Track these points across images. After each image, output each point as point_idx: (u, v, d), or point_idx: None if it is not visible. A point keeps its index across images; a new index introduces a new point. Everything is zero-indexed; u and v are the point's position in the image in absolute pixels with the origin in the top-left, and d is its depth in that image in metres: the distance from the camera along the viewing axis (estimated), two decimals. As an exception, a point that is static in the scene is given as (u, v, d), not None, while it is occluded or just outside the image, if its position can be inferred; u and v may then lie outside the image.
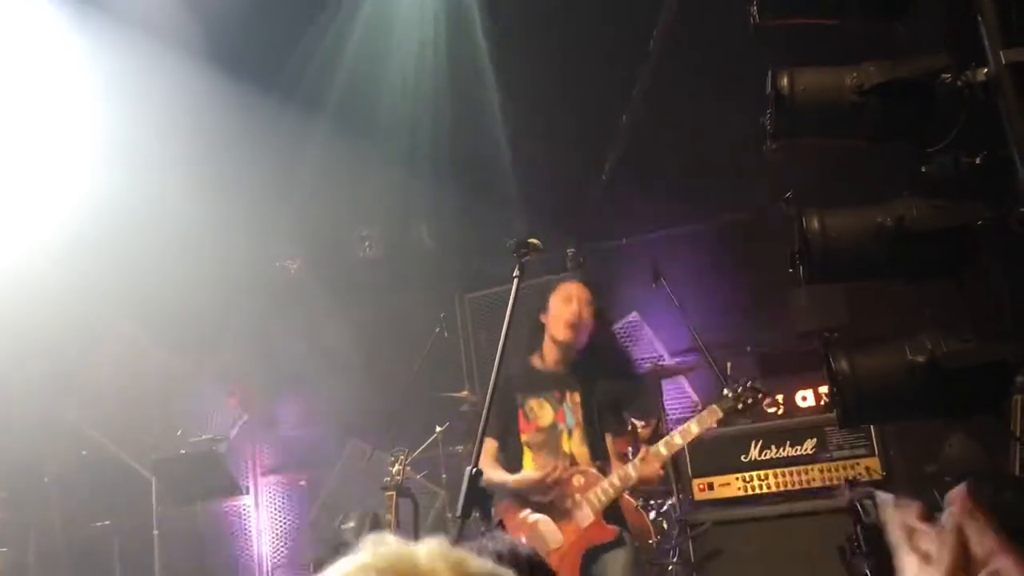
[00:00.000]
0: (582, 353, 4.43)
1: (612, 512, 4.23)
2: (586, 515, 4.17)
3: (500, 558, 1.63)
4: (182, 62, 6.41)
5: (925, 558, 1.88)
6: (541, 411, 4.41)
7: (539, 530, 4.19)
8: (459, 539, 2.62)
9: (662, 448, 4.20)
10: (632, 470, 4.17)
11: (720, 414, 4.24)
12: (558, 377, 4.43)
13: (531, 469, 4.32)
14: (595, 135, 7.15)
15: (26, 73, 6.58)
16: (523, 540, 4.10)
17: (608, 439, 4.37)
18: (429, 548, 1.12)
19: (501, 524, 4.20)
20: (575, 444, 4.33)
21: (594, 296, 4.51)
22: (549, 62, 6.61)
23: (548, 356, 4.46)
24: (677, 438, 4.21)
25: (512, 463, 4.38)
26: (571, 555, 4.15)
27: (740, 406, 4.25)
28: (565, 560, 4.13)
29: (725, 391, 4.32)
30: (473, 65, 6.74)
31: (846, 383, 2.32)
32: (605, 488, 4.17)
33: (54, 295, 6.68)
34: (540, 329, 4.48)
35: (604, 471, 4.27)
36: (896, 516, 2.00)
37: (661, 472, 4.41)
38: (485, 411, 3.17)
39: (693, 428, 4.21)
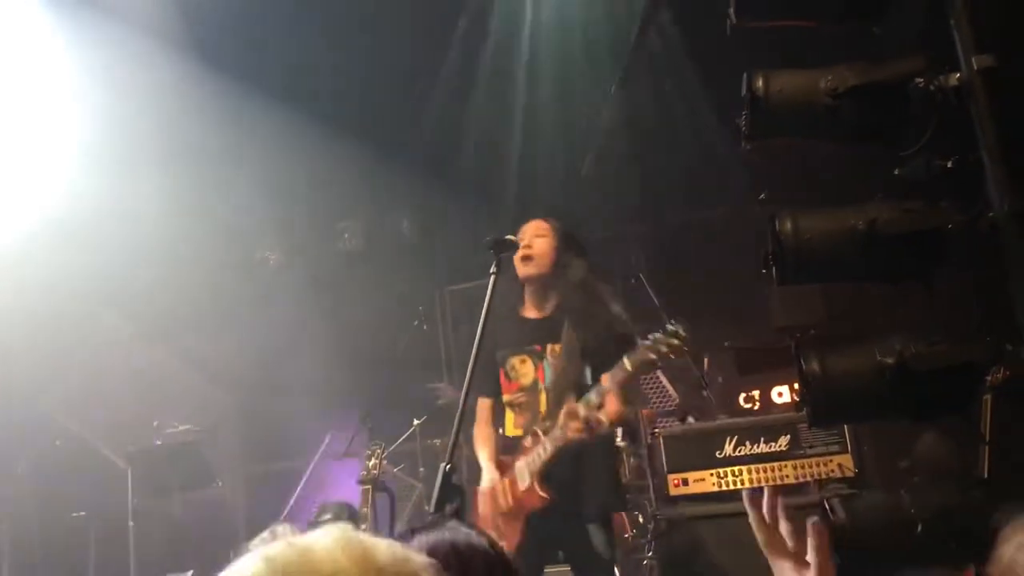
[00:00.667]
0: (560, 293, 4.31)
1: (595, 501, 4.13)
2: (524, 479, 4.11)
3: (455, 548, 1.58)
4: (161, 54, 6.37)
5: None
6: (523, 368, 4.33)
7: (493, 491, 4.19)
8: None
9: (581, 408, 3.97)
10: (558, 431, 4.01)
11: (630, 367, 3.94)
12: (540, 326, 4.32)
13: (512, 429, 4.29)
14: (573, 131, 7.16)
15: (6, 64, 6.51)
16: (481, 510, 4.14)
17: (606, 380, 4.07)
18: (329, 542, 1.00)
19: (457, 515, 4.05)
20: (552, 405, 4.20)
21: (555, 227, 4.35)
22: (527, 55, 6.62)
23: (528, 303, 4.38)
24: (593, 396, 3.98)
25: (496, 424, 4.36)
26: (513, 523, 4.13)
27: (653, 356, 3.92)
28: (508, 524, 4.12)
29: (646, 340, 3.97)
30: (455, 58, 6.73)
31: (816, 383, 2.35)
32: (538, 451, 4.07)
33: (31, 285, 6.63)
34: (519, 285, 4.38)
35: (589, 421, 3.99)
36: (753, 514, 1.97)
37: (591, 432, 4.00)
38: (467, 379, 3.14)
39: (606, 383, 3.99)
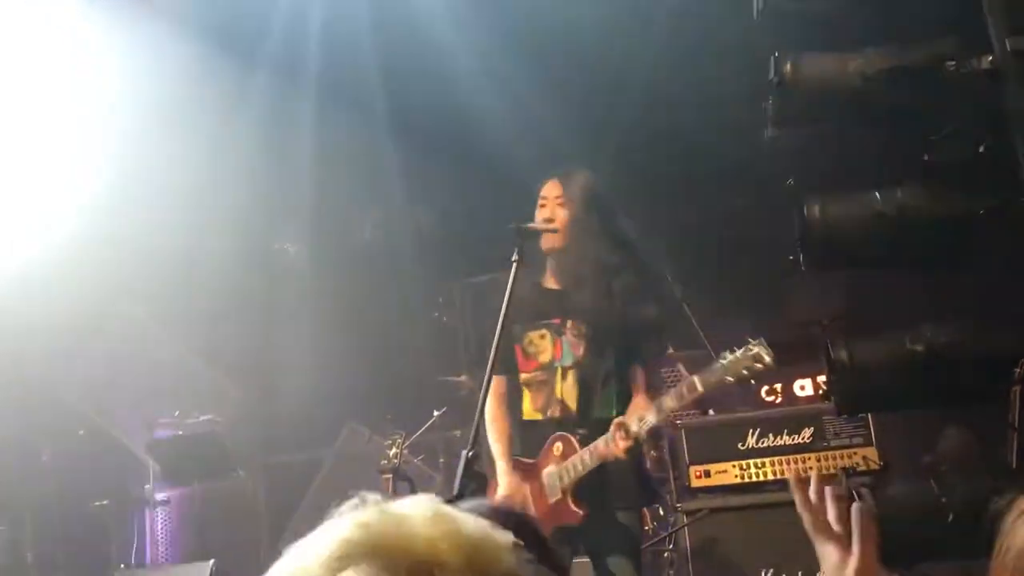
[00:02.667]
0: (587, 265, 3.96)
1: (624, 490, 3.88)
2: (554, 491, 3.81)
3: (496, 512, 1.57)
4: (185, 42, 6.37)
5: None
6: (542, 343, 4.02)
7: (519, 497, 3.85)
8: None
9: (632, 424, 3.69)
10: (602, 445, 3.73)
11: (700, 388, 3.70)
12: (562, 297, 4.01)
13: (530, 412, 4.00)
14: (596, 121, 7.12)
15: (28, 60, 6.55)
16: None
17: (636, 372, 3.95)
18: (422, 513, 0.98)
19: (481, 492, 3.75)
20: (567, 387, 3.94)
21: (574, 195, 3.99)
22: (551, 46, 6.58)
23: (549, 272, 4.06)
24: (650, 417, 3.71)
25: (512, 405, 4.06)
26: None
27: (730, 378, 3.64)
28: None
29: (722, 359, 3.70)
30: (473, 52, 6.71)
31: (844, 371, 2.32)
32: (575, 463, 3.77)
33: (54, 275, 6.67)
34: (535, 242, 4.01)
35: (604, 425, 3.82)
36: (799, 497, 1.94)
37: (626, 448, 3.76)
38: (489, 367, 3.11)
39: (670, 403, 3.74)
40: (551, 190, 4.02)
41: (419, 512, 0.99)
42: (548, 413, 3.98)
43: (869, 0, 2.41)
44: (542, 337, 4.01)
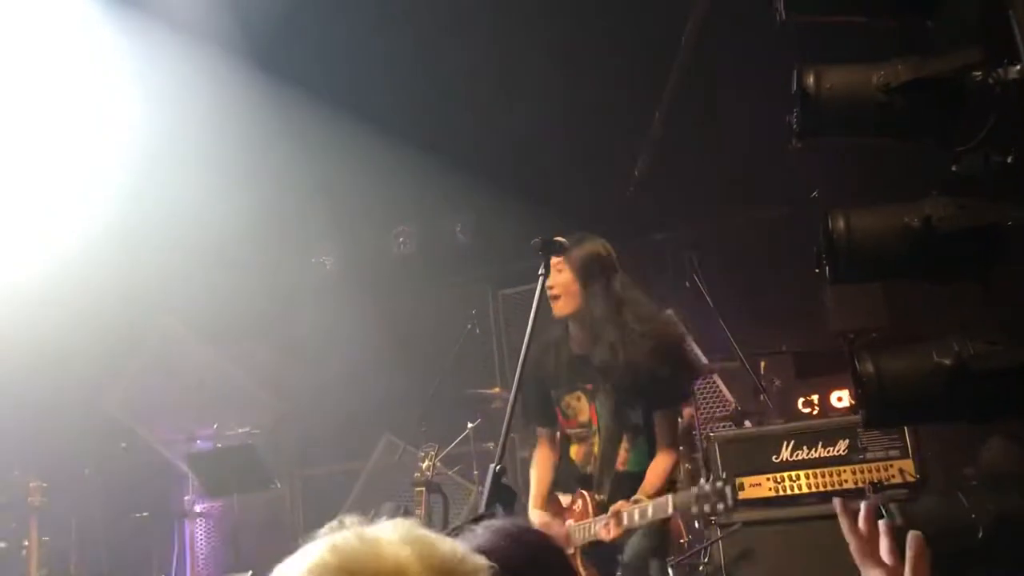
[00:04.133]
0: (597, 327, 4.09)
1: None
2: (571, 543, 4.06)
3: (504, 534, 1.57)
4: (219, 60, 6.48)
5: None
6: (579, 405, 4.27)
7: None
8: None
9: (625, 517, 3.90)
10: (598, 528, 3.97)
11: (670, 511, 3.89)
12: (586, 363, 4.18)
13: (575, 456, 4.27)
14: (628, 131, 7.12)
15: (67, 71, 6.68)
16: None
17: (658, 419, 4.12)
18: (395, 536, 1.01)
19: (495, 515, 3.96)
20: (600, 444, 4.21)
21: (570, 259, 4.04)
22: (582, 56, 6.59)
23: (573, 337, 4.22)
24: (637, 515, 3.90)
25: (561, 450, 4.37)
26: None
27: (695, 510, 3.83)
28: None
29: (697, 486, 3.87)
30: (505, 64, 6.74)
31: (870, 385, 2.29)
32: (584, 528, 4.05)
33: (96, 289, 6.80)
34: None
35: (622, 487, 4.07)
36: (845, 523, 1.92)
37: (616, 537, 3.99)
38: (509, 407, 3.17)
39: (653, 514, 3.90)
40: (554, 262, 4.04)
41: (393, 535, 1.02)
42: (587, 469, 4.27)
43: (893, 13, 2.38)
44: (578, 400, 4.27)
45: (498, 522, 1.59)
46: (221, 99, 6.62)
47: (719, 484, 3.79)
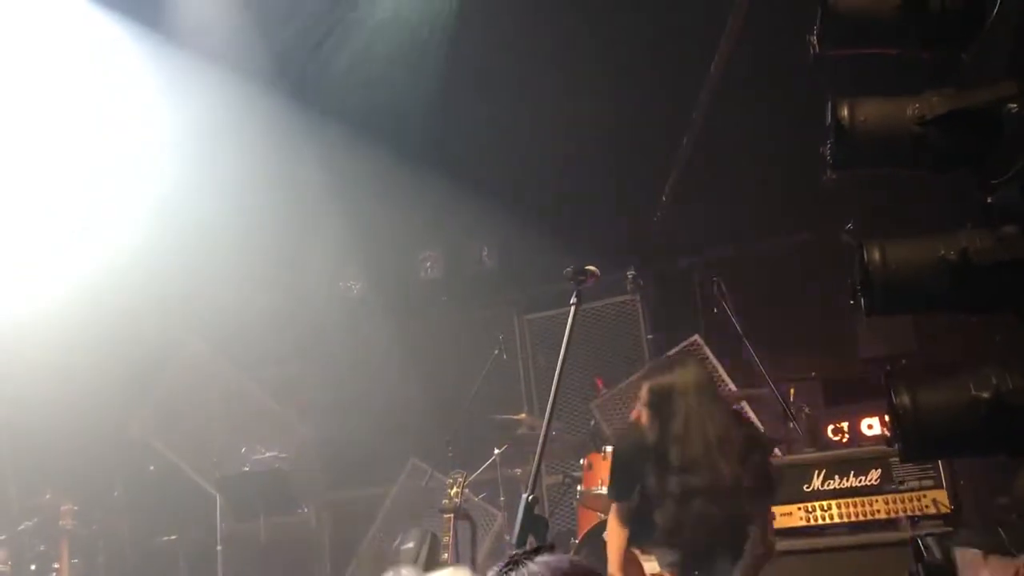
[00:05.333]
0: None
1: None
2: None
3: (560, 572, 1.58)
4: (250, 89, 6.57)
5: None
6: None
7: None
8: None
9: None
10: None
11: None
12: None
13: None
14: (657, 157, 7.13)
15: (98, 97, 6.79)
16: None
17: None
18: None
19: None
20: None
21: (644, 397, 4.14)
22: (610, 82, 6.62)
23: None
24: None
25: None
26: None
27: None
28: None
29: (832, 435, 4.11)
30: (533, 90, 6.78)
31: (907, 418, 2.28)
32: None
33: (125, 314, 6.87)
34: None
35: None
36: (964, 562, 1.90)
37: None
38: (542, 438, 3.17)
39: None
40: (641, 392, 4.21)
41: None
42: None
43: (926, 46, 2.39)
44: None
45: (553, 559, 1.60)
46: (251, 127, 6.71)
47: None
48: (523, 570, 1.56)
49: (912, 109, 2.33)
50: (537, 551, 1.61)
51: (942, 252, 2.31)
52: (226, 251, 7.06)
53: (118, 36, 6.66)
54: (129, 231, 6.89)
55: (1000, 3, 2.32)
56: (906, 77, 2.45)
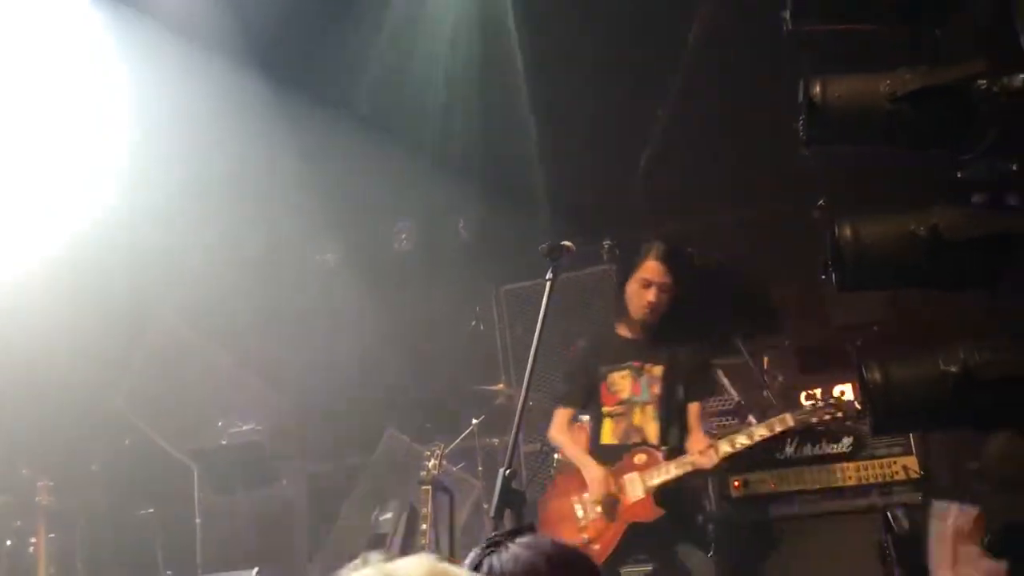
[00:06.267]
0: (662, 320, 4.56)
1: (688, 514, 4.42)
2: (636, 492, 4.33)
3: (540, 552, 1.58)
4: (217, 61, 6.49)
5: None
6: (623, 383, 4.61)
7: (590, 493, 4.39)
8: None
9: (726, 446, 4.29)
10: (692, 459, 4.30)
11: (791, 424, 4.29)
12: (640, 345, 4.60)
13: (608, 438, 4.56)
14: (632, 128, 7.11)
15: (64, 69, 6.69)
16: (574, 502, 4.39)
17: (692, 408, 4.56)
18: (417, 570, 1.01)
19: (532, 527, 4.12)
20: (647, 419, 4.52)
21: (675, 269, 4.55)
22: (584, 53, 6.58)
23: (630, 325, 4.62)
24: (743, 438, 4.30)
25: (592, 432, 4.66)
26: (614, 527, 4.30)
27: (815, 420, 4.30)
28: (607, 530, 4.30)
29: (805, 401, 4.52)
30: (507, 62, 6.74)
31: (878, 393, 2.32)
32: (661, 470, 4.32)
33: (99, 286, 6.80)
34: (620, 298, 4.65)
35: (676, 451, 4.41)
36: (938, 528, 1.93)
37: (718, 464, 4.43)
38: (519, 412, 3.20)
39: (762, 431, 4.30)
40: (657, 273, 4.54)
41: (416, 573, 1.00)
42: (628, 440, 4.56)
43: (901, 21, 2.39)
44: (623, 377, 4.61)
45: (532, 539, 1.60)
46: (222, 97, 6.62)
47: (829, 400, 4.34)
48: (504, 552, 1.57)
49: (884, 86, 2.34)
50: (519, 532, 1.62)
51: (913, 228, 2.33)
52: (199, 224, 7.00)
53: (84, 6, 6.54)
54: (100, 206, 6.81)
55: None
56: (879, 54, 2.46)
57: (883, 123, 2.37)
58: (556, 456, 5.89)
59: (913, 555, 2.19)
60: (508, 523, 2.95)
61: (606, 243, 6.95)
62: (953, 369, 2.27)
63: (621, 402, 4.59)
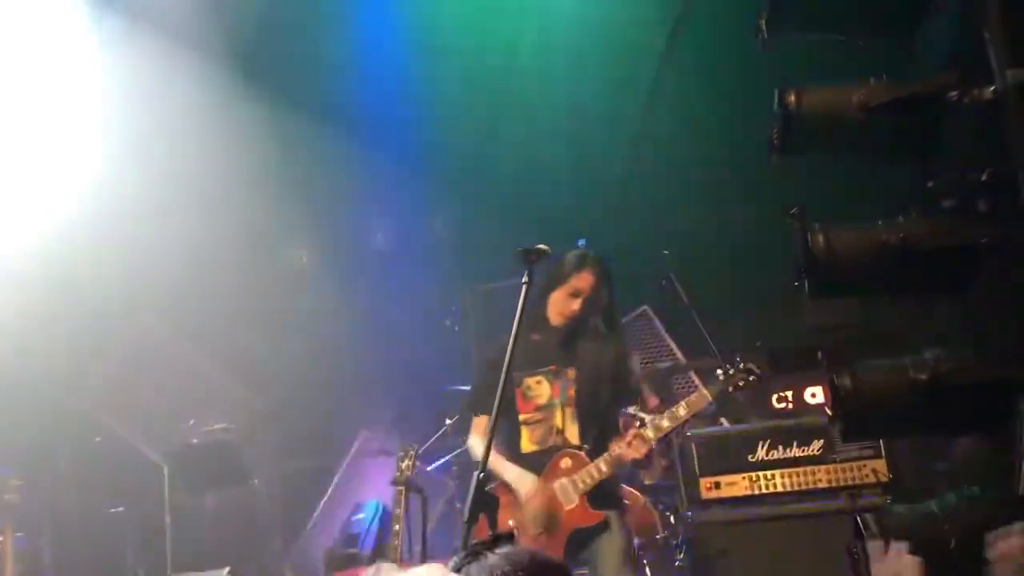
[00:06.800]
0: (580, 325, 4.47)
1: (607, 496, 4.28)
2: (570, 499, 4.21)
3: (521, 567, 1.59)
4: (193, 58, 6.45)
5: None
6: (539, 388, 4.49)
7: (526, 511, 4.23)
8: (466, 543, 2.66)
9: (649, 431, 4.19)
10: (619, 450, 4.20)
11: (709, 397, 4.26)
12: (554, 349, 4.48)
13: (527, 446, 4.42)
14: (607, 131, 7.15)
15: (43, 63, 6.61)
16: (510, 522, 4.22)
17: (683, 407, 4.36)
18: None
19: (511, 536, 4.05)
20: (567, 420, 4.40)
21: (602, 283, 4.44)
22: (564, 57, 6.61)
23: (546, 331, 4.50)
24: (664, 421, 4.21)
25: (510, 441, 4.46)
26: (556, 538, 4.19)
27: (731, 388, 4.28)
28: (550, 542, 4.17)
29: (717, 372, 4.35)
30: (483, 63, 6.75)
31: (848, 399, 2.35)
32: (591, 471, 4.21)
33: (69, 282, 6.74)
34: (542, 303, 4.50)
35: (600, 449, 4.31)
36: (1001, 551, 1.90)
37: (650, 456, 4.44)
38: (493, 414, 3.20)
39: (681, 411, 4.22)
40: (586, 282, 4.42)
41: None
42: (548, 443, 4.41)
43: (872, 33, 2.42)
44: (539, 383, 4.49)
45: (513, 551, 1.61)
46: (197, 94, 6.58)
47: (739, 365, 4.27)
48: (483, 562, 1.58)
49: (856, 96, 2.37)
50: (496, 542, 1.63)
51: (884, 237, 2.36)
52: (173, 222, 6.95)
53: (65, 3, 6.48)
54: (70, 201, 6.74)
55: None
56: (854, 65, 2.49)
57: (855, 133, 2.41)
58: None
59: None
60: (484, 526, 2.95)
61: (580, 242, 6.95)
62: (923, 376, 2.30)
63: (539, 408, 4.47)
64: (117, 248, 6.84)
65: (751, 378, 4.26)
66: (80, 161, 6.77)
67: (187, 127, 6.72)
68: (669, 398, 6.06)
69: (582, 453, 4.29)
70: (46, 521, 7.15)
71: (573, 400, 4.41)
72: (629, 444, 4.17)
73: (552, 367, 4.47)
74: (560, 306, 4.43)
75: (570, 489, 4.22)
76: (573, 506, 4.20)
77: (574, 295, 4.41)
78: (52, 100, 6.69)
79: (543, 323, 4.49)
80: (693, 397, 4.29)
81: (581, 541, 4.26)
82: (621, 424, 4.58)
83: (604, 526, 4.25)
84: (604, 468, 4.21)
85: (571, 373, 4.46)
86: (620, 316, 4.72)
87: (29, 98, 6.61)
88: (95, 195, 6.70)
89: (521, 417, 4.47)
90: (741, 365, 4.28)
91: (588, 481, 4.20)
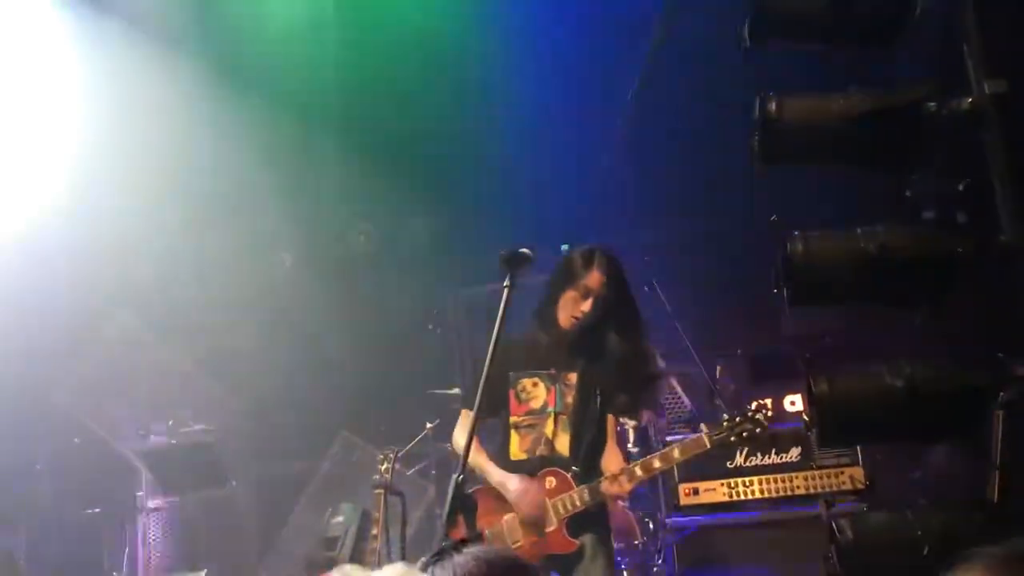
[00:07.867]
0: (593, 326, 4.20)
1: (589, 518, 4.09)
2: (549, 520, 4.06)
3: (492, 566, 1.60)
4: (174, 59, 6.43)
5: None
6: (534, 391, 4.30)
7: (503, 524, 4.10)
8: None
9: (638, 470, 4.03)
10: (603, 488, 4.02)
11: (708, 445, 4.05)
12: (560, 352, 4.25)
13: (517, 453, 4.23)
14: (589, 138, 7.17)
15: (22, 60, 6.58)
16: (486, 531, 4.06)
17: (610, 419, 4.25)
18: None
19: (480, 537, 3.95)
20: (559, 429, 4.22)
21: (613, 281, 4.18)
22: (547, 65, 6.63)
23: (551, 333, 4.26)
24: (657, 462, 4.05)
25: (500, 445, 4.30)
26: (528, 558, 3.91)
27: (733, 438, 4.05)
28: (526, 555, 3.97)
29: (724, 417, 4.16)
30: (467, 69, 6.77)
31: (825, 405, 2.37)
32: (573, 498, 4.04)
33: (47, 282, 6.70)
34: (551, 304, 4.25)
35: (589, 459, 4.14)
36: None
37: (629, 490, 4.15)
38: (472, 418, 3.19)
39: (676, 454, 4.06)
40: (597, 281, 4.17)
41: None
42: (536, 452, 4.23)
43: (853, 43, 2.45)
44: (535, 385, 4.29)
45: (481, 550, 1.62)
46: (179, 95, 6.56)
47: (750, 412, 4.06)
48: (450, 561, 1.59)
49: (837, 105, 2.40)
50: (464, 542, 1.64)
51: (862, 245, 2.39)
52: (154, 222, 6.92)
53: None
54: (49, 199, 6.70)
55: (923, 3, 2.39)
56: (835, 75, 2.52)
57: (835, 142, 2.43)
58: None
59: (857, 566, 2.24)
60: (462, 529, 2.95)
61: (564, 247, 6.97)
62: (898, 383, 2.33)
63: (531, 412, 4.27)
64: (98, 248, 6.81)
65: (757, 431, 4.04)
66: (56, 160, 6.74)
67: (165, 126, 6.69)
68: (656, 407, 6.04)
69: (568, 476, 4.11)
70: (22, 521, 7.09)
71: (569, 407, 4.23)
72: (612, 482, 4.01)
73: (552, 370, 4.28)
74: (570, 308, 4.19)
75: (550, 511, 4.06)
76: (552, 528, 4.05)
77: (584, 295, 4.17)
78: (28, 98, 6.66)
79: (553, 325, 4.26)
80: (689, 442, 4.11)
81: (564, 566, 4.10)
82: (615, 435, 4.36)
83: (578, 555, 4.08)
84: (587, 498, 4.03)
85: (572, 378, 4.25)
86: (639, 316, 4.36)
87: (4, 96, 6.57)
88: (75, 195, 6.67)
89: (512, 420, 4.29)
90: (749, 414, 4.07)
91: (570, 508, 4.04)
